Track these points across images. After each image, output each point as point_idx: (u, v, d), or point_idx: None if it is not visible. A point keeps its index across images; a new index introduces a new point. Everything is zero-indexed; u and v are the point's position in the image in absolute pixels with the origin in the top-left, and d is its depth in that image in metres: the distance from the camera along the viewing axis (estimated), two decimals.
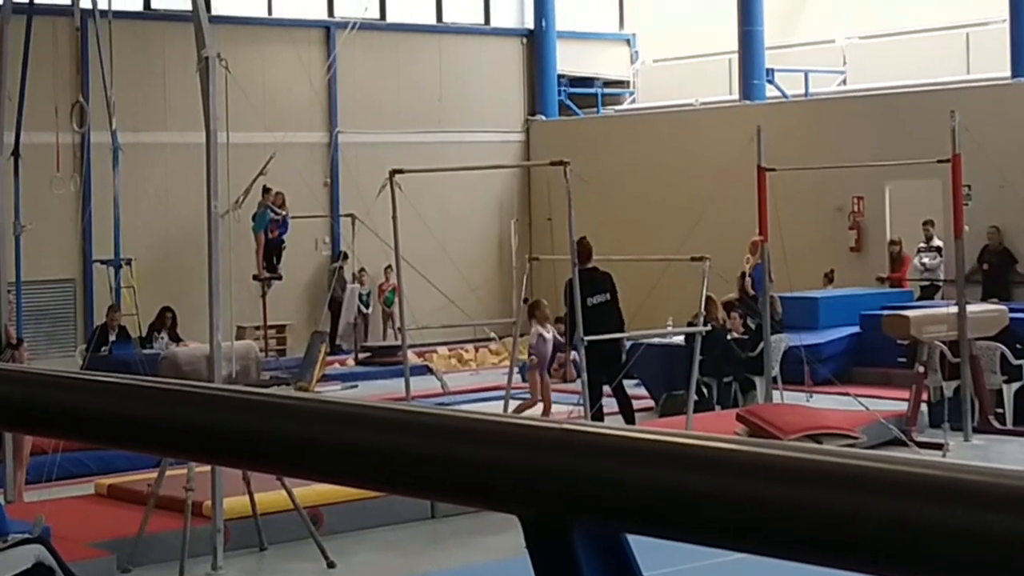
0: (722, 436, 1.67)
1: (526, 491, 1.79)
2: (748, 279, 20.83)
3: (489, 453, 1.83)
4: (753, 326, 19.96)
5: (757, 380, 19.10)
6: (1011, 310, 18.83)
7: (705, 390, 19.10)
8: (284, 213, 26.31)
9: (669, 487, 1.66)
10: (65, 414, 2.38)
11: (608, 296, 16.47)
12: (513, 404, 17.71)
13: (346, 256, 26.76)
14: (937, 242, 24.09)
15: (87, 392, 2.37)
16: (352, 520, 13.32)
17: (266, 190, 24.38)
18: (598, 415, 16.40)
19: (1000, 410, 17.86)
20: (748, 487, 1.60)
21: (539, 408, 17.00)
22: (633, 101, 33.12)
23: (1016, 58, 24.59)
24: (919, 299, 23.16)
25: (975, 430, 17.10)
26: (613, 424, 15.83)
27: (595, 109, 32.62)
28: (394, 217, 16.02)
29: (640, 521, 1.70)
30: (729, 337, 19.76)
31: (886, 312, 18.94)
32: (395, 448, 1.91)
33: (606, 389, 16.77)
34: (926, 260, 24.24)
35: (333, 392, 23.00)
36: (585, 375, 15.51)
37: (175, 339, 22.49)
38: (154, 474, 12.96)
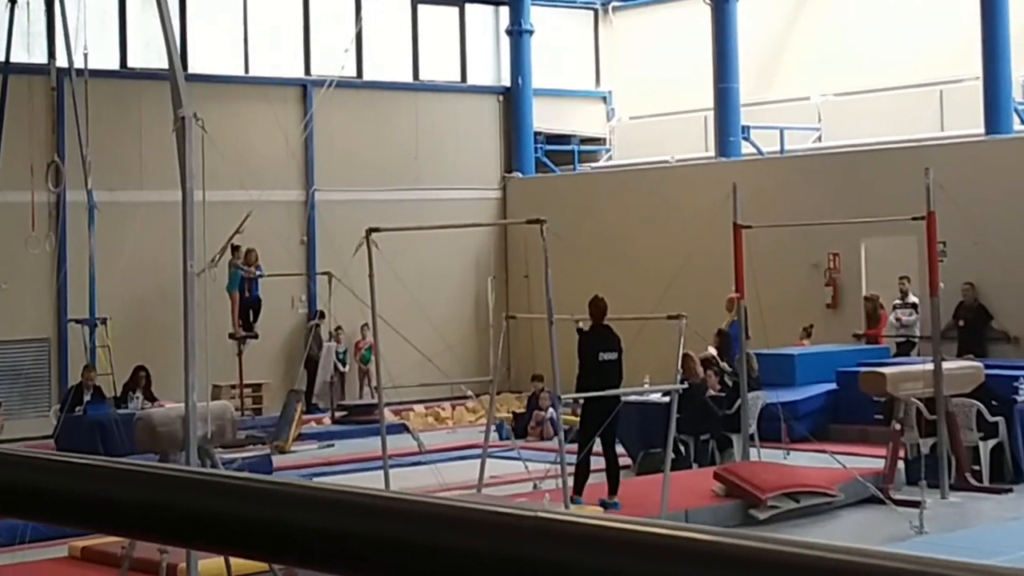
0: (680, 525, 1.65)
1: None
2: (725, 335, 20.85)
3: (465, 541, 1.81)
4: (730, 383, 19.95)
5: (734, 438, 19.07)
6: (986, 367, 18.85)
7: (682, 448, 19.06)
8: (255, 270, 26.23)
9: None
10: (32, 495, 2.35)
11: (616, 355, 16.59)
12: (492, 463, 17.64)
13: (323, 315, 26.71)
14: (913, 298, 24.14)
15: (54, 473, 2.34)
16: None
17: (235, 249, 24.19)
18: (583, 470, 16.41)
19: (977, 467, 17.85)
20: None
21: None
22: (610, 158, 33.22)
23: (990, 115, 24.71)
24: (895, 356, 23.18)
25: (952, 487, 17.09)
26: (589, 513, 15.84)
27: (572, 166, 32.70)
28: (371, 275, 15.99)
29: None
30: (706, 395, 19.75)
31: (862, 369, 18.93)
32: (373, 535, 1.89)
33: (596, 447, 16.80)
34: (902, 316, 24.29)
35: (309, 451, 22.91)
36: (562, 432, 15.52)
37: (150, 398, 22.38)
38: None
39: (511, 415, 24.07)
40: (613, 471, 16.75)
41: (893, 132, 26.64)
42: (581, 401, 16.89)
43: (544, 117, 32.39)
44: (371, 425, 22.12)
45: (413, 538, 1.85)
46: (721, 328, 20.99)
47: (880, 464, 17.41)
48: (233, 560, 12.43)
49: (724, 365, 20.64)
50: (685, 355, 17.12)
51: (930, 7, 27.74)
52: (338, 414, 26.05)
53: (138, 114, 26.48)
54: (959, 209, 19.53)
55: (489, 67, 32.36)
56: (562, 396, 15.94)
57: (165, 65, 12.86)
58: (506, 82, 32.19)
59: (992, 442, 18.04)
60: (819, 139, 29.01)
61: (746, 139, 28.37)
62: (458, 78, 31.82)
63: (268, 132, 27.16)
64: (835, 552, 1.58)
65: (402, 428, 22.22)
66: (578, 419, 17.37)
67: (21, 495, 2.34)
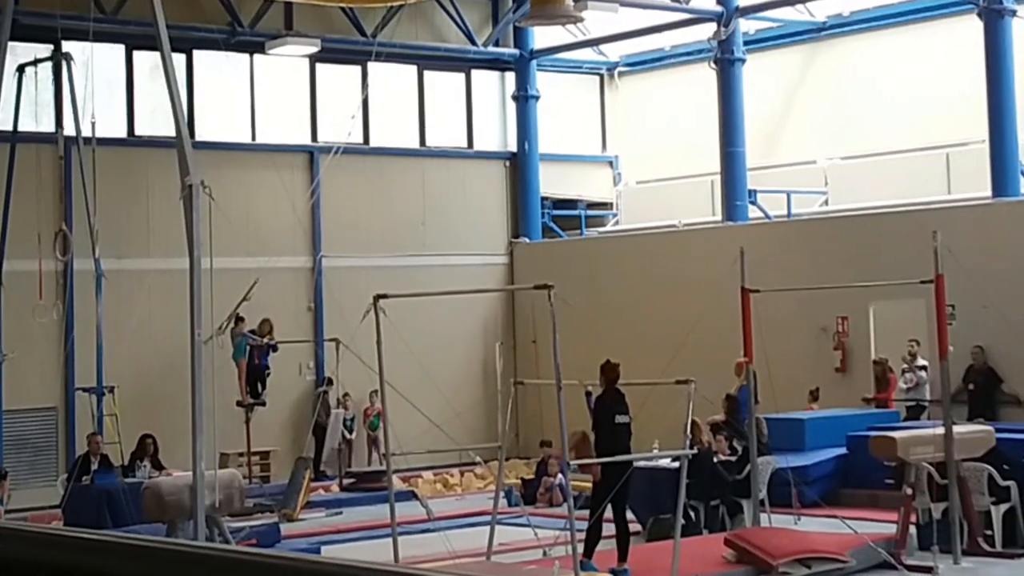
0: None
1: None
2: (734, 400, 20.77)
3: None
4: (739, 448, 19.87)
5: (744, 503, 18.96)
6: (997, 430, 18.76)
7: (692, 514, 18.96)
8: (268, 340, 26.20)
9: None
10: (39, 571, 2.31)
11: (628, 418, 16.63)
12: (501, 529, 17.54)
13: (331, 381, 26.66)
14: (922, 360, 24.09)
15: (60, 548, 2.30)
16: None
17: (239, 319, 24.04)
18: (595, 534, 16.35)
19: (989, 532, 17.73)
20: None
21: None
22: (616, 222, 33.22)
23: (996, 178, 24.70)
24: (906, 419, 23.10)
25: (964, 552, 16.97)
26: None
27: (579, 231, 32.71)
28: (378, 342, 15.96)
29: None
30: (716, 460, 19.66)
31: (873, 433, 18.85)
32: None
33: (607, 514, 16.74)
34: (912, 377, 24.23)
35: (318, 519, 22.81)
36: (571, 499, 15.44)
37: (158, 467, 22.31)
38: None
39: (520, 481, 23.98)
40: (624, 537, 16.66)
41: (900, 195, 26.63)
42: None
43: (551, 182, 32.43)
44: (379, 492, 22.06)
45: None
46: (730, 393, 20.92)
47: (891, 529, 17.32)
48: None
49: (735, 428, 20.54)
50: (693, 421, 17.04)
51: (936, 71, 27.78)
52: (346, 481, 25.96)
53: (145, 182, 26.52)
54: (967, 272, 19.51)
55: (495, 132, 32.43)
56: (571, 462, 15.86)
57: (172, 133, 12.90)
58: (513, 147, 32.25)
59: (1004, 506, 17.94)
60: (826, 203, 29.00)
61: (753, 203, 28.37)
62: (465, 144, 31.88)
63: (275, 199, 27.21)
64: None
65: (411, 495, 22.15)
66: (589, 485, 17.27)
67: (33, 571, 2.31)
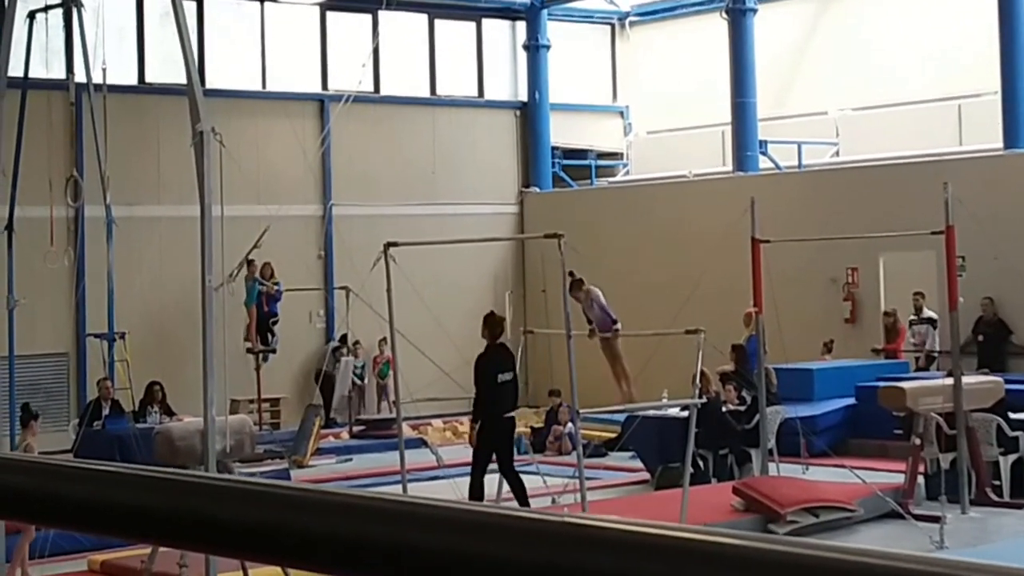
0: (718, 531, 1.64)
1: None
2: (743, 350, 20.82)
3: (488, 545, 1.80)
4: (748, 398, 19.92)
5: (753, 452, 19.02)
6: (1006, 381, 18.78)
7: (701, 462, 19.01)
8: (275, 285, 26.22)
9: None
10: (57, 502, 2.35)
11: (512, 375, 16.44)
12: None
13: (344, 339, 26.76)
14: (928, 313, 24.11)
15: (78, 480, 2.33)
16: None
17: (249, 263, 24.09)
18: (477, 493, 16.24)
19: (997, 482, 17.78)
20: None
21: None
22: (627, 173, 33.20)
23: (1008, 130, 24.65)
24: (916, 370, 23.13)
25: (972, 502, 17.03)
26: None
27: (589, 181, 32.69)
28: (388, 290, 15.99)
29: None
30: (724, 409, 19.71)
31: (882, 384, 18.88)
32: (398, 541, 1.88)
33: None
34: (918, 330, 24.27)
35: (328, 465, 22.91)
36: (580, 447, 15.50)
37: (167, 412, 22.39)
38: (147, 550, 12.87)
39: (529, 430, 24.05)
40: (521, 493, 16.42)
41: (911, 146, 26.59)
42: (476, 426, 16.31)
43: (561, 132, 32.40)
44: (389, 439, 22.16)
45: (438, 544, 1.84)
46: (737, 343, 20.95)
47: (900, 479, 17.36)
48: (252, 573, 12.42)
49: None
50: (701, 372, 17.06)
51: (948, 21, 27.70)
52: (356, 428, 26.05)
53: (156, 129, 26.54)
54: (978, 223, 19.50)
55: (506, 82, 32.38)
56: (581, 411, 15.91)
57: (183, 80, 12.88)
58: (523, 97, 32.21)
59: (1012, 457, 17.98)
60: (837, 154, 28.97)
61: (764, 154, 28.35)
62: (475, 93, 31.84)
63: (286, 147, 27.21)
64: (860, 555, 1.57)
65: (420, 442, 22.21)
66: (599, 434, 17.28)
67: (50, 503, 2.34)
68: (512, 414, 16.44)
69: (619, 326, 16.77)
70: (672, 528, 1.68)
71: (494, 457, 16.25)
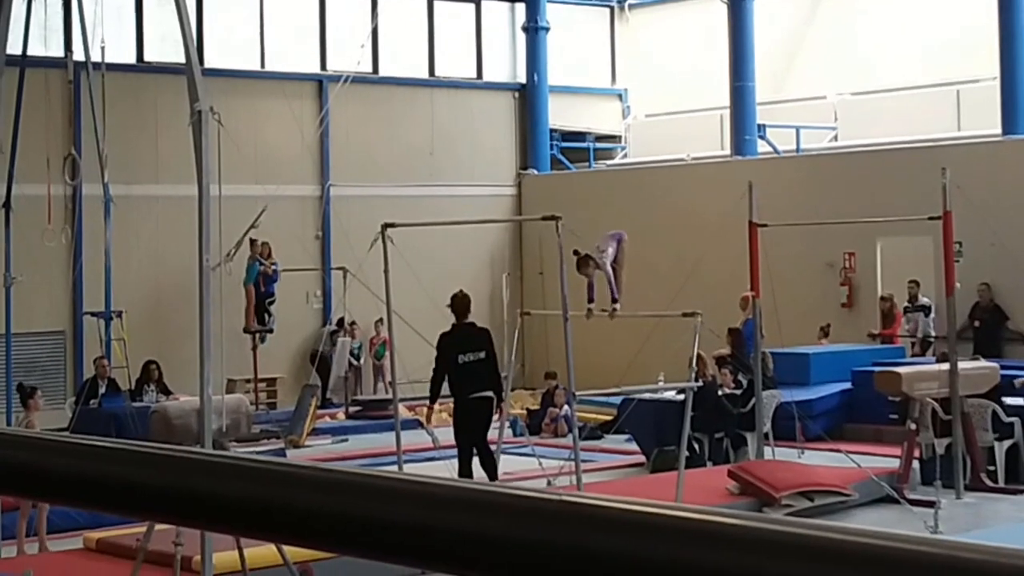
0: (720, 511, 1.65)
1: (514, 563, 1.76)
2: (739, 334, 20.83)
3: (482, 523, 1.81)
4: (744, 382, 19.93)
5: (748, 436, 19.03)
6: (1002, 367, 18.81)
7: (696, 446, 19.03)
8: (272, 264, 26.26)
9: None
10: (53, 477, 2.35)
11: (483, 354, 16.35)
12: (506, 459, 17.62)
13: (341, 322, 26.78)
14: (924, 300, 24.15)
15: (75, 456, 2.34)
16: (342, 574, 13.23)
17: (252, 242, 24.22)
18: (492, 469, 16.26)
19: (992, 468, 17.81)
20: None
21: None
22: (625, 156, 33.19)
23: (1007, 115, 24.66)
24: (912, 355, 23.15)
25: (967, 488, 17.07)
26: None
27: (587, 163, 32.67)
28: (386, 271, 15.98)
29: None
30: (720, 393, 19.73)
31: (878, 369, 18.89)
32: (393, 518, 1.88)
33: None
34: (912, 317, 24.31)
35: (323, 446, 22.92)
36: (576, 429, 15.50)
37: (164, 392, 22.41)
38: (143, 528, 12.87)
39: (525, 412, 24.07)
40: (492, 472, 16.41)
41: (910, 132, 26.59)
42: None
43: (560, 114, 32.39)
44: (385, 420, 22.17)
45: (435, 521, 1.85)
46: (733, 326, 20.96)
47: (895, 464, 17.39)
48: (248, 552, 12.42)
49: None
50: (698, 355, 17.05)
51: (947, 6, 27.69)
52: (352, 409, 26.05)
53: (154, 108, 26.51)
54: (975, 209, 19.51)
55: (505, 64, 32.35)
56: (577, 393, 15.91)
57: (182, 59, 12.85)
58: (522, 79, 32.18)
59: (1007, 443, 18.01)
60: (835, 138, 28.96)
61: (762, 138, 28.35)
62: (474, 74, 31.82)
63: (284, 127, 27.17)
64: (857, 536, 1.57)
65: (416, 423, 22.21)
66: (596, 416, 17.27)
67: (46, 478, 2.35)
68: (483, 394, 16.23)
69: (618, 306, 16.71)
70: (667, 507, 1.69)
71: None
